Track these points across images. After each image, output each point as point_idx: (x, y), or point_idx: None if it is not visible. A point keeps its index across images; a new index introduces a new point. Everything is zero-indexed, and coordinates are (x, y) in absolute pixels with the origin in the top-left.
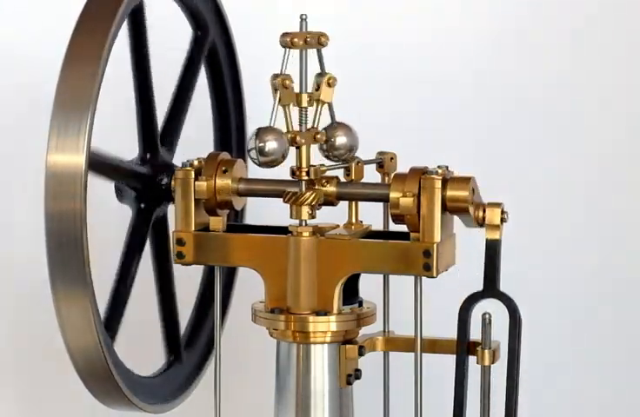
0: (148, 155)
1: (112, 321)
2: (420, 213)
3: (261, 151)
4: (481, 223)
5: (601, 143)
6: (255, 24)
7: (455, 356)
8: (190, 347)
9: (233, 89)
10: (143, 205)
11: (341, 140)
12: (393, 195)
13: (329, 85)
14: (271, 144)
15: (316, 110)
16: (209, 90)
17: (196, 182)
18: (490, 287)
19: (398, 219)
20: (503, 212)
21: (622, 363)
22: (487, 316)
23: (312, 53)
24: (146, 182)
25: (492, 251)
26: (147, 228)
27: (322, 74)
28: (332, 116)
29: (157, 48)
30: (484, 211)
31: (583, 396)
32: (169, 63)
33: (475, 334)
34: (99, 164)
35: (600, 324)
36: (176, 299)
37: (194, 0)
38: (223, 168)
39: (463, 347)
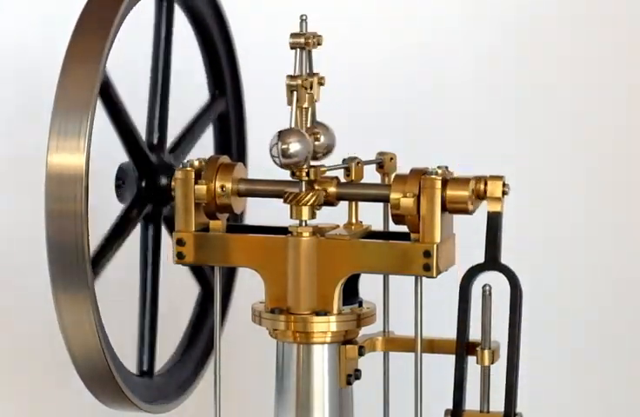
0: (154, 155)
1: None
2: (420, 213)
3: (284, 153)
4: (482, 196)
5: (601, 143)
6: (255, 24)
7: (455, 356)
8: (191, 348)
9: (233, 89)
10: (138, 199)
11: (322, 139)
12: (394, 195)
13: (320, 84)
14: (294, 146)
15: (310, 110)
16: (208, 91)
17: (196, 186)
18: (492, 259)
19: (399, 219)
20: (504, 185)
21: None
22: (487, 288)
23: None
24: (148, 173)
25: (494, 224)
26: (135, 222)
27: (313, 74)
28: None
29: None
30: (486, 184)
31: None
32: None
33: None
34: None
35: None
36: (157, 299)
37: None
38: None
39: (466, 320)
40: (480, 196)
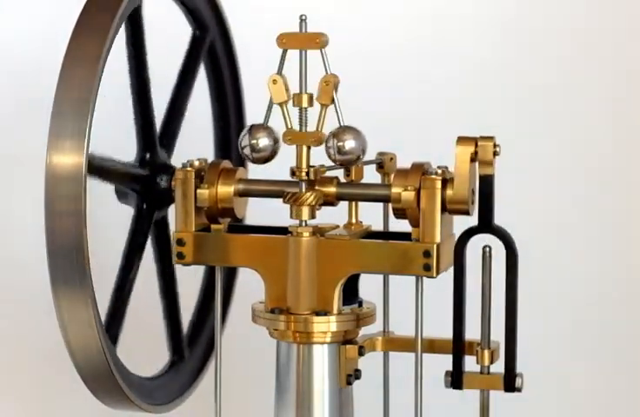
0: (147, 156)
1: (113, 325)
2: (420, 207)
3: (253, 148)
4: (473, 158)
5: (601, 143)
6: (255, 24)
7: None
8: (191, 348)
9: (233, 88)
10: (144, 206)
11: (349, 144)
12: (395, 189)
13: (326, 85)
14: (263, 141)
15: (320, 112)
16: (209, 90)
17: (198, 190)
18: (486, 222)
19: (400, 213)
20: (495, 145)
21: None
22: (487, 249)
23: (312, 53)
24: (145, 184)
25: (486, 186)
26: (147, 230)
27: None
28: (339, 119)
29: (156, 48)
30: (476, 145)
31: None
32: (167, 63)
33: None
34: (97, 168)
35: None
36: (178, 300)
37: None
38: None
39: (462, 286)
40: (471, 158)
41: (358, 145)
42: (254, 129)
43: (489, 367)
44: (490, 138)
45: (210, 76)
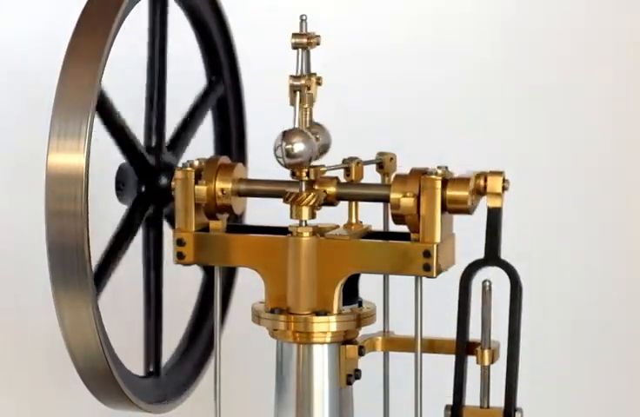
0: (154, 143)
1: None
2: (420, 213)
3: (288, 153)
4: (482, 192)
5: (601, 143)
6: (255, 24)
7: (455, 355)
8: (191, 348)
9: (233, 88)
10: (142, 189)
11: (298, 147)
12: (394, 195)
13: (318, 84)
14: (299, 146)
15: (309, 110)
16: (206, 77)
17: (196, 187)
18: (492, 254)
19: (399, 219)
20: (504, 180)
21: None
22: (487, 283)
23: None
24: (147, 170)
25: (494, 219)
26: (139, 222)
27: (311, 74)
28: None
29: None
30: (486, 180)
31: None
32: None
33: (475, 310)
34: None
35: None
36: (162, 301)
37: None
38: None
39: (466, 315)
40: (480, 192)
41: (307, 148)
42: (288, 134)
43: (488, 400)
44: (500, 173)
45: (207, 61)
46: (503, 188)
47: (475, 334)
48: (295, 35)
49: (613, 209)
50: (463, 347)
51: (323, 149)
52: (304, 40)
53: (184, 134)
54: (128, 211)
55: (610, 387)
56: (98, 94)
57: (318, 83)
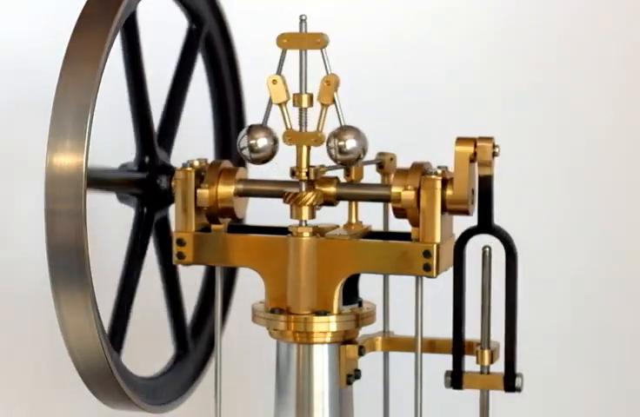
0: (146, 159)
1: (118, 329)
2: (420, 207)
3: (252, 148)
4: (472, 159)
5: (601, 143)
6: (255, 24)
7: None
8: (192, 348)
9: (233, 88)
10: (144, 209)
11: (350, 143)
12: (395, 189)
13: (327, 84)
14: (262, 141)
15: (321, 112)
16: (209, 90)
17: (198, 190)
18: (485, 222)
19: (400, 213)
20: (494, 146)
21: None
22: (487, 249)
23: (312, 53)
24: (146, 188)
25: (485, 186)
26: (149, 233)
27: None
28: (340, 119)
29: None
30: (476, 146)
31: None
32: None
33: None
34: (97, 180)
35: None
36: (182, 300)
37: None
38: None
39: (461, 284)
40: (471, 159)
41: (359, 145)
42: (253, 129)
43: (489, 367)
44: (489, 139)
45: (210, 76)
46: (494, 154)
47: (475, 334)
48: (294, 35)
49: (613, 209)
50: (460, 320)
51: (361, 152)
52: (304, 40)
53: (171, 125)
54: (135, 226)
55: (609, 387)
56: (97, 93)
57: (327, 84)
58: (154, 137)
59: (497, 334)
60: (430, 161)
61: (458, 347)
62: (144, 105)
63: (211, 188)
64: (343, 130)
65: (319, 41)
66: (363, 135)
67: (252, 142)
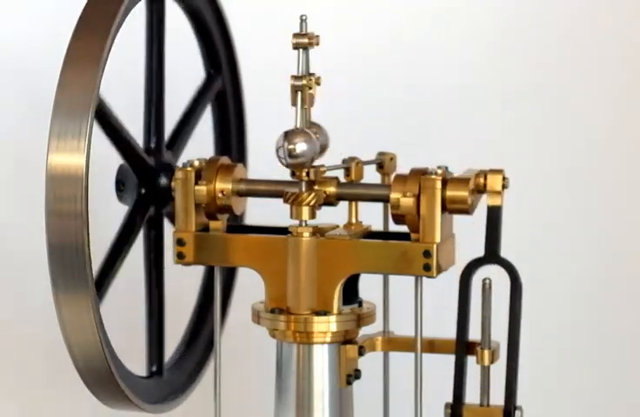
0: (153, 145)
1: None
2: (420, 213)
3: (290, 154)
4: (482, 190)
5: (601, 143)
6: (255, 24)
7: (455, 353)
8: (191, 348)
9: (233, 88)
10: (142, 191)
11: (301, 147)
12: (394, 195)
13: (317, 84)
14: (301, 146)
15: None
16: (204, 70)
17: (196, 187)
18: (492, 253)
19: (399, 219)
20: (504, 178)
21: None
22: (487, 281)
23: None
24: (148, 171)
25: (494, 217)
26: (140, 224)
27: (310, 74)
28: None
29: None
30: (485, 178)
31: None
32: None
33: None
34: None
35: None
36: (164, 301)
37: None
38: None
39: (466, 313)
40: (480, 190)
41: (310, 149)
42: (289, 133)
43: (488, 399)
44: (499, 171)
45: (205, 55)
46: (503, 186)
47: (475, 334)
48: (295, 35)
49: (613, 209)
50: (462, 346)
51: (322, 149)
52: (305, 40)
53: (184, 129)
54: (129, 212)
55: (609, 387)
56: (98, 94)
57: (317, 83)
58: (163, 120)
59: (498, 334)
60: (429, 161)
61: (459, 378)
62: (160, 92)
63: (209, 184)
64: (294, 133)
65: (313, 41)
66: (314, 139)
67: (291, 147)
